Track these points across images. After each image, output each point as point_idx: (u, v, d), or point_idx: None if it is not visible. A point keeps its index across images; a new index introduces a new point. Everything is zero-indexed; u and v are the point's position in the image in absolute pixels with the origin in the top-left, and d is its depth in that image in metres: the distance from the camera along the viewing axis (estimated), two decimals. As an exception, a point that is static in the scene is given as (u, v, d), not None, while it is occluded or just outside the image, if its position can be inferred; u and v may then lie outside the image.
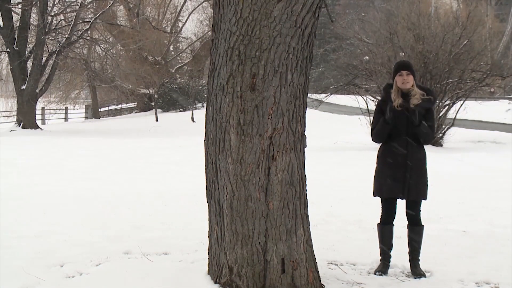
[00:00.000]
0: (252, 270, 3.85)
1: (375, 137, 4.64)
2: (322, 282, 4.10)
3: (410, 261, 4.60)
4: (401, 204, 4.62)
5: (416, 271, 4.53)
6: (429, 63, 15.56)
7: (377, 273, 4.55)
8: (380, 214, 4.69)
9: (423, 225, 4.65)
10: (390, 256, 4.64)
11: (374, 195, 4.66)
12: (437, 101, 15.75)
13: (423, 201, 4.61)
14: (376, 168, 4.63)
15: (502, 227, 6.25)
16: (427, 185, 4.56)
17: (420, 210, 4.62)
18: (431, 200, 7.80)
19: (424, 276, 4.49)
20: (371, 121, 4.67)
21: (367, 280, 4.35)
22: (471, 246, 5.43)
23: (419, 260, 4.59)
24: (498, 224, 6.41)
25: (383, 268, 4.59)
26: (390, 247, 4.65)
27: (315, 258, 4.08)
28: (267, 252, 3.85)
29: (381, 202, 4.67)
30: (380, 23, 21.52)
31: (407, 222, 4.65)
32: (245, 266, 3.86)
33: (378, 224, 4.70)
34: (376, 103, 4.71)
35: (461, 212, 7.12)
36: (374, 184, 4.62)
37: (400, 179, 4.47)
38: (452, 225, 6.38)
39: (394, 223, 4.67)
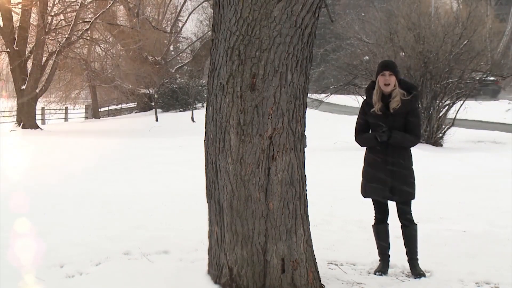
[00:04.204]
0: (252, 270, 3.85)
1: (359, 143, 4.66)
2: (322, 282, 4.10)
3: (408, 261, 4.60)
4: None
5: (416, 271, 4.52)
6: (429, 63, 15.55)
7: (377, 273, 4.55)
8: (374, 215, 4.69)
9: (415, 224, 4.62)
10: (389, 256, 4.64)
11: (362, 195, 4.67)
12: (437, 101, 15.75)
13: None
14: (362, 168, 4.64)
15: (502, 227, 6.24)
16: (412, 184, 4.52)
17: (410, 210, 4.59)
18: (431, 200, 7.83)
19: (424, 275, 4.49)
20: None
21: (367, 280, 4.35)
22: (471, 246, 5.43)
23: (417, 259, 4.58)
24: (498, 224, 6.41)
25: (383, 268, 4.59)
26: (387, 246, 4.65)
27: (315, 258, 4.09)
28: (267, 252, 3.86)
29: (372, 202, 4.68)
30: (380, 23, 21.52)
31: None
32: (245, 266, 3.86)
33: (373, 225, 4.71)
34: (361, 104, 4.69)
35: (461, 212, 7.12)
36: (360, 184, 4.64)
37: (382, 180, 4.47)
38: (452, 225, 6.37)
39: (389, 222, 4.67)
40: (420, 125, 4.59)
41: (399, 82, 4.48)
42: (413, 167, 4.58)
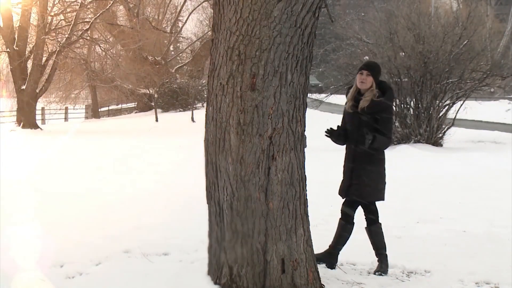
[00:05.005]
0: (252, 270, 3.85)
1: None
2: (322, 282, 4.10)
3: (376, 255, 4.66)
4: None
5: (377, 268, 4.57)
6: (429, 63, 15.55)
7: (376, 273, 4.55)
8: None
9: (375, 224, 4.63)
10: (386, 255, 4.63)
11: None
12: (437, 101, 15.72)
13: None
14: None
15: (502, 227, 6.24)
16: (373, 187, 4.51)
17: (373, 211, 4.61)
18: (431, 200, 7.82)
19: (382, 273, 4.53)
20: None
21: (367, 280, 4.35)
22: (471, 246, 5.43)
23: (380, 256, 4.60)
24: (498, 224, 6.41)
25: (381, 268, 4.59)
26: (383, 246, 4.65)
27: (315, 258, 4.09)
28: (267, 252, 3.85)
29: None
30: (380, 23, 21.49)
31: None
32: (245, 266, 3.86)
33: (365, 227, 4.72)
34: None
35: (461, 212, 7.12)
36: None
37: (346, 179, 4.57)
38: (452, 225, 6.37)
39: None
40: (391, 128, 4.58)
41: (379, 84, 4.51)
42: (384, 169, 4.58)
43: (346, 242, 4.69)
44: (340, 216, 4.71)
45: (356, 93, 4.54)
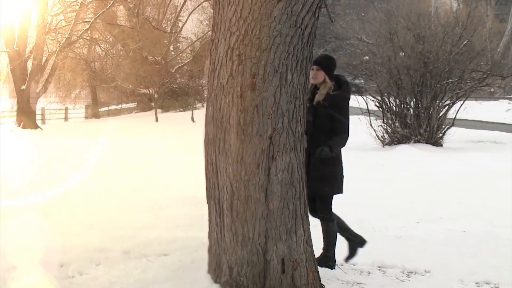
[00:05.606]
0: (252, 270, 3.85)
1: None
2: (322, 282, 4.10)
3: (322, 252, 4.65)
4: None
5: (324, 262, 4.56)
6: (429, 63, 15.55)
7: (347, 260, 4.60)
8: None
9: (328, 222, 4.66)
10: (331, 257, 4.65)
11: None
12: (437, 101, 15.73)
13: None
14: None
15: (502, 227, 6.25)
16: (325, 183, 4.55)
17: (325, 208, 4.65)
18: (431, 200, 7.82)
19: (331, 267, 4.56)
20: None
21: (367, 280, 4.35)
22: (471, 246, 5.43)
23: (329, 251, 4.63)
24: (498, 224, 6.41)
25: (351, 253, 4.67)
26: (332, 246, 4.68)
27: (315, 258, 4.09)
28: (267, 253, 3.85)
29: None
30: (380, 23, 21.51)
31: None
32: (245, 267, 3.86)
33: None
34: None
35: (461, 212, 7.12)
36: None
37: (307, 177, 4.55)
38: (452, 225, 6.38)
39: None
40: (345, 122, 4.55)
41: (335, 78, 4.52)
42: (341, 163, 4.65)
43: (336, 240, 4.67)
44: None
45: (313, 87, 4.58)
